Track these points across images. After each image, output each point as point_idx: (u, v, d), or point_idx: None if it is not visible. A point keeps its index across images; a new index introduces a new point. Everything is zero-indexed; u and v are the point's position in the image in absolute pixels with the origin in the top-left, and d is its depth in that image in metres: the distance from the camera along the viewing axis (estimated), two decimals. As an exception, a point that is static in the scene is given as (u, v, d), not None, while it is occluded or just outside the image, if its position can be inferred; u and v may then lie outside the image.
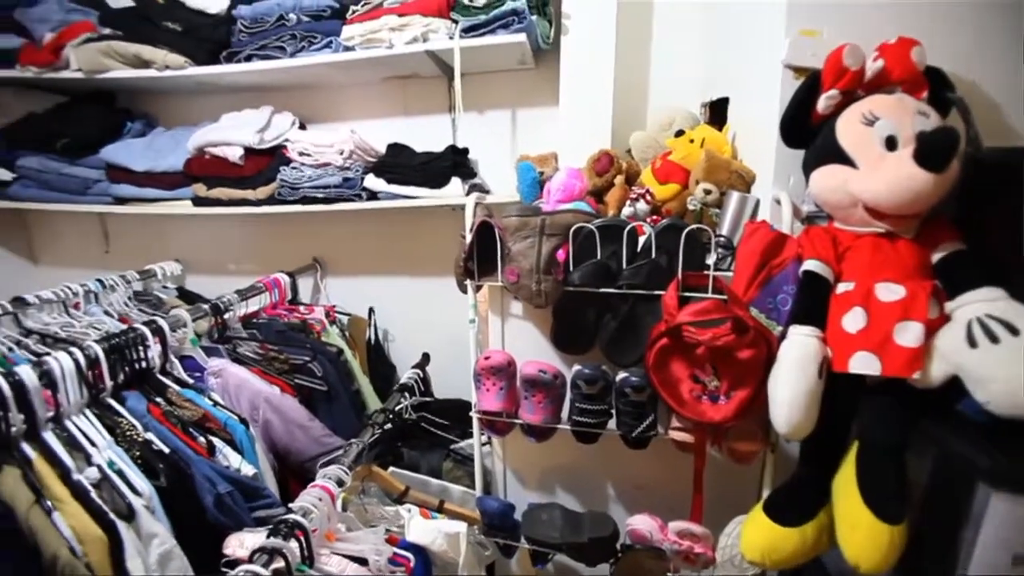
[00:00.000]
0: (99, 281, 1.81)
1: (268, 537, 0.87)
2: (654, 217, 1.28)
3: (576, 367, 1.11)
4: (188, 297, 2.07)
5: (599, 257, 1.06)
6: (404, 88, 1.84)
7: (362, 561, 0.97)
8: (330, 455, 1.34)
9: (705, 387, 1.01)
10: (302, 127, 1.86)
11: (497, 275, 1.13)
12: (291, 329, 1.66)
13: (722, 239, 1.11)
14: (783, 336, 0.90)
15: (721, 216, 1.17)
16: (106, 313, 1.80)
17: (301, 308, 1.82)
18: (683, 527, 1.10)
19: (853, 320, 0.82)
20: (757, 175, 1.20)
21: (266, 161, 1.73)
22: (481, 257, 1.15)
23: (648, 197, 1.27)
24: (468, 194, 1.56)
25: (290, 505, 0.94)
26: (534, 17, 1.43)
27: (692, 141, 1.31)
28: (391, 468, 1.33)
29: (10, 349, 1.53)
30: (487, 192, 1.67)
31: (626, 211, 1.27)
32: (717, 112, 1.44)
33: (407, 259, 1.98)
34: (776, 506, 0.92)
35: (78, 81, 1.78)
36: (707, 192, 1.20)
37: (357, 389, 1.70)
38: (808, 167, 0.95)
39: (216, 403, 1.25)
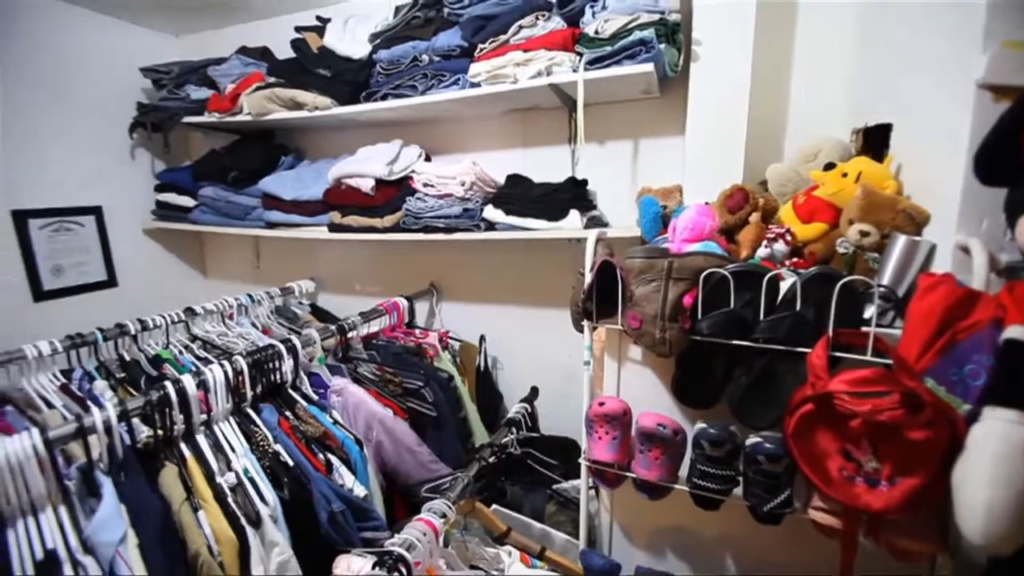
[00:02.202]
0: (249, 296, 2.05)
1: (373, 568, 0.88)
2: (794, 260, 1.14)
3: (700, 424, 1.01)
4: (319, 313, 2.28)
5: (732, 305, 0.95)
6: (524, 120, 1.87)
7: (461, 605, 0.95)
8: (435, 482, 1.36)
9: (860, 467, 0.85)
10: (427, 159, 1.97)
11: (617, 317, 1.07)
12: (407, 352, 1.73)
13: (883, 290, 0.95)
14: (973, 416, 0.73)
15: (883, 263, 1.01)
16: (252, 324, 2.03)
17: (417, 332, 1.90)
18: (824, 628, 0.93)
19: (1087, 410, 0.64)
20: (931, 216, 1.02)
21: (394, 191, 1.85)
22: (600, 297, 1.10)
23: (788, 237, 1.14)
24: (586, 227, 1.53)
25: (395, 537, 0.95)
26: (662, 46, 1.37)
27: (845, 175, 1.15)
28: (494, 506, 1.31)
29: (180, 352, 1.78)
30: (606, 225, 1.62)
31: (761, 252, 1.14)
32: (873, 141, 1.25)
33: (521, 288, 1.98)
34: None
35: (247, 123, 2.06)
36: (864, 234, 1.05)
37: (464, 416, 1.72)
38: (1014, 209, 0.77)
39: (336, 421, 1.33)
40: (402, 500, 1.46)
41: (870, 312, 0.90)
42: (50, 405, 1.39)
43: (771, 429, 0.97)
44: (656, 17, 1.38)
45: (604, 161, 1.73)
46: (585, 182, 1.63)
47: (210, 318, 1.95)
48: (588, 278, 1.09)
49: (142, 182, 2.41)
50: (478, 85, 1.60)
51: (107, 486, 0.96)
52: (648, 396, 1.14)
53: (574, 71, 1.46)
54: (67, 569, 0.85)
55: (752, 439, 0.97)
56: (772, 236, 1.13)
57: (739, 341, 0.96)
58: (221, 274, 2.73)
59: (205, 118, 2.13)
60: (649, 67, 1.35)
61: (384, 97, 1.78)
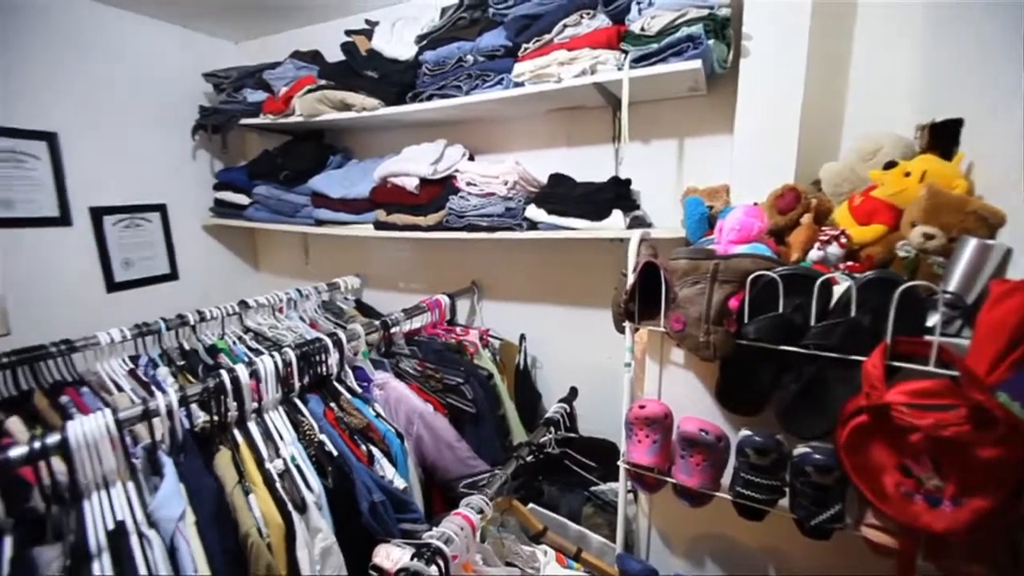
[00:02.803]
0: (297, 291, 2.14)
1: (412, 559, 0.90)
2: (849, 264, 1.08)
3: (744, 431, 0.97)
4: (364, 309, 2.34)
5: (781, 309, 0.92)
6: (568, 119, 1.86)
7: (496, 601, 0.96)
8: (473, 478, 1.38)
9: (920, 484, 0.80)
10: (471, 158, 1.99)
11: (659, 319, 1.05)
12: (448, 349, 1.76)
13: (949, 296, 0.89)
14: (1051, 436, 0.68)
15: (949, 267, 0.94)
16: (300, 318, 2.11)
17: (458, 329, 1.92)
18: (876, 651, 0.88)
19: None
20: (1008, 218, 0.95)
21: (438, 190, 1.88)
22: (643, 298, 1.08)
23: (842, 240, 1.08)
24: (629, 227, 1.50)
25: (433, 530, 0.97)
26: (711, 41, 1.33)
27: (908, 174, 1.09)
28: (531, 505, 1.31)
29: (234, 342, 1.87)
30: (649, 225, 1.60)
31: (813, 255, 1.09)
32: (941, 137, 1.18)
33: (562, 288, 1.98)
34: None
35: (298, 124, 2.14)
36: (928, 237, 0.98)
37: (503, 414, 1.73)
38: (1101, 213, 0.71)
39: (378, 414, 1.36)
40: (440, 494, 1.49)
41: (934, 320, 0.85)
42: (120, 388, 1.50)
43: (820, 439, 0.93)
44: (705, 12, 1.34)
45: (648, 160, 1.70)
46: (629, 182, 1.61)
47: (262, 311, 2.05)
48: (631, 279, 1.08)
49: (202, 181, 2.56)
50: (522, 85, 1.61)
51: (168, 466, 1.03)
52: (690, 400, 1.11)
53: (619, 69, 1.44)
54: (133, 540, 0.91)
55: (800, 449, 0.93)
56: (826, 238, 1.09)
57: (788, 347, 0.92)
58: (271, 268, 2.86)
59: (260, 120, 2.23)
60: (697, 64, 1.32)
61: (430, 98, 1.81)
